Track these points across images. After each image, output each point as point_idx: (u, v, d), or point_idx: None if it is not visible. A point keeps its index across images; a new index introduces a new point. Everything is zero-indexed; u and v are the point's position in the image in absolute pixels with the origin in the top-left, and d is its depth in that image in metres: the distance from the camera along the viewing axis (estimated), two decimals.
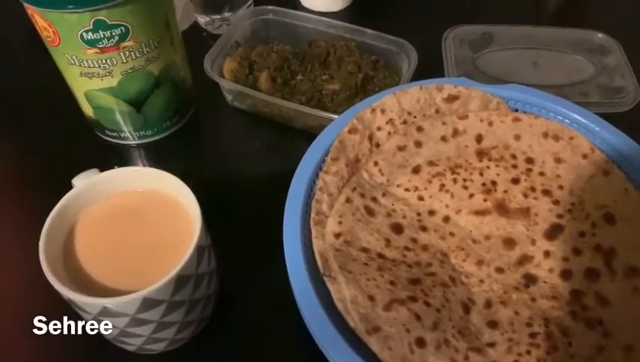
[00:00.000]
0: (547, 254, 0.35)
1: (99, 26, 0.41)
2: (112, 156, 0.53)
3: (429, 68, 0.57)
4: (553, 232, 0.36)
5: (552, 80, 0.54)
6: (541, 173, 0.38)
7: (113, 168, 0.38)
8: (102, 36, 0.42)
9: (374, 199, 0.38)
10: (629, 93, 0.52)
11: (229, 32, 0.56)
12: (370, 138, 0.40)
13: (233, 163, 0.52)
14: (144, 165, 0.53)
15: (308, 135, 0.45)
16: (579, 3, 0.69)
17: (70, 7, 0.39)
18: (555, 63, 0.56)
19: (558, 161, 0.38)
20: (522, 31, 0.59)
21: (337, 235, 0.35)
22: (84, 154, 0.51)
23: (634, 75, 0.54)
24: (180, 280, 0.32)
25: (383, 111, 0.40)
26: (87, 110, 0.50)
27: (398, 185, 0.39)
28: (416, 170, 0.39)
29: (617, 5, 0.66)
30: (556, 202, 0.37)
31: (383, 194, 0.38)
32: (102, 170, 0.38)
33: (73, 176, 0.37)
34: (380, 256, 0.35)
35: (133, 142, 0.53)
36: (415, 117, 0.41)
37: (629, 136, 0.39)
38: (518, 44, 0.58)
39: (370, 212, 0.37)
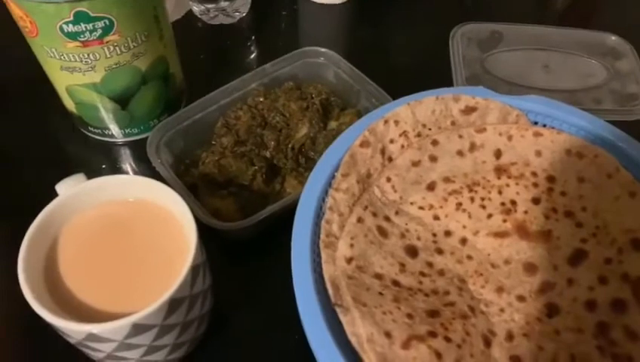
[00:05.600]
0: (570, 282, 0.33)
1: (80, 17, 0.37)
2: (97, 154, 0.49)
3: (436, 67, 0.54)
4: (576, 258, 0.34)
5: (564, 84, 0.52)
6: (562, 193, 0.36)
7: (100, 169, 0.34)
8: (83, 29, 0.38)
9: (387, 218, 0.35)
10: None
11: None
12: (383, 152, 0.37)
13: None
14: (130, 164, 0.49)
15: None
16: (589, 3, 0.67)
17: None
18: (567, 66, 0.54)
19: (581, 180, 0.36)
20: (532, 31, 0.56)
21: (349, 260, 0.32)
22: (68, 151, 0.48)
23: None
24: (173, 304, 0.29)
25: (396, 122, 0.37)
26: (69, 105, 0.46)
27: (411, 203, 0.36)
28: (431, 187, 0.36)
29: (629, 7, 0.64)
30: (579, 225, 0.35)
31: (396, 213, 0.35)
32: (87, 170, 0.34)
33: (56, 176, 0.34)
34: (395, 283, 0.32)
35: (118, 140, 0.49)
36: (430, 129, 0.38)
37: None
38: (528, 45, 0.55)
39: (383, 233, 0.34)
